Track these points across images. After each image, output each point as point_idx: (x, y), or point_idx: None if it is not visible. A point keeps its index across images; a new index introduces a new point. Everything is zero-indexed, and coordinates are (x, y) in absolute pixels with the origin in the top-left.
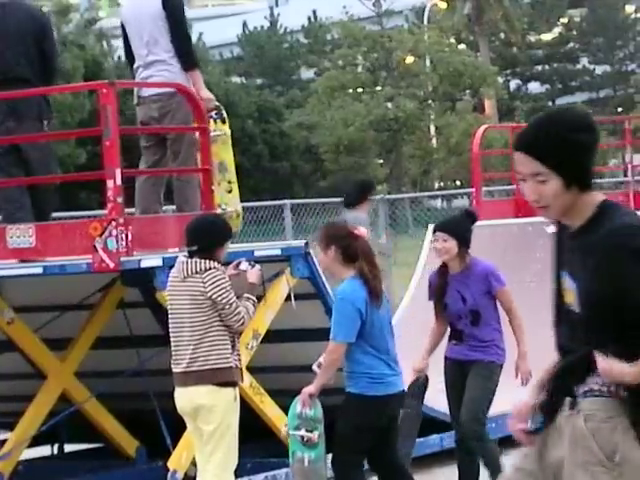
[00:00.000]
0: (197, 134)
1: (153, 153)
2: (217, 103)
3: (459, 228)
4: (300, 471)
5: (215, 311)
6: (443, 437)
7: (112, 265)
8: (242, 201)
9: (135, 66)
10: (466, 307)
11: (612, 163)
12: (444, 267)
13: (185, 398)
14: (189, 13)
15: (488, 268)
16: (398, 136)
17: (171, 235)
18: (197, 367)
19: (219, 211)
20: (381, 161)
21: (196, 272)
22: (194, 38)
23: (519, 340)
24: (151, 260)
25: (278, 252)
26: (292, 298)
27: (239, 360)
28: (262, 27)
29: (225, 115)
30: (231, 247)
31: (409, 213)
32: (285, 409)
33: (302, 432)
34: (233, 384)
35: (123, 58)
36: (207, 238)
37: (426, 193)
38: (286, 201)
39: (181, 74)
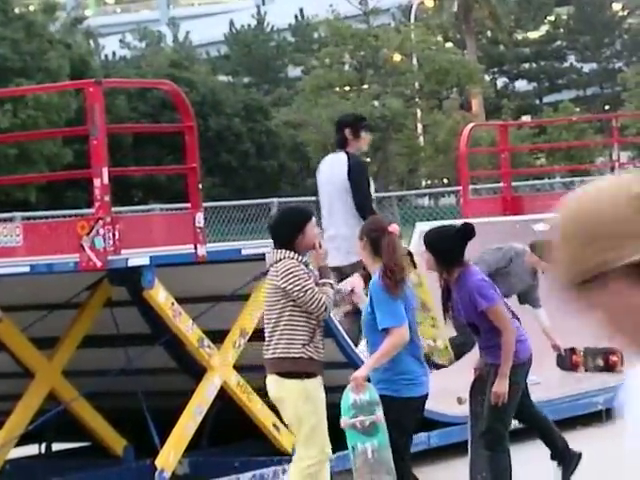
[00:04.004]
0: None
1: None
2: (409, 249)
3: (438, 242)
4: (365, 464)
5: (288, 300)
6: (430, 435)
7: (99, 264)
8: (229, 200)
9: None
10: (463, 319)
11: (599, 161)
12: None
13: (268, 386)
14: (175, 12)
15: (474, 285)
16: (385, 134)
17: (158, 234)
18: (270, 355)
19: (430, 343)
20: (368, 159)
21: (274, 263)
22: (181, 37)
23: (503, 359)
24: (138, 259)
25: (266, 250)
26: None
27: (316, 352)
28: (249, 25)
29: (417, 261)
30: (217, 246)
31: (396, 211)
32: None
33: (361, 418)
34: (298, 375)
35: (110, 57)
36: (279, 230)
37: (413, 191)
38: (273, 199)
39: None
